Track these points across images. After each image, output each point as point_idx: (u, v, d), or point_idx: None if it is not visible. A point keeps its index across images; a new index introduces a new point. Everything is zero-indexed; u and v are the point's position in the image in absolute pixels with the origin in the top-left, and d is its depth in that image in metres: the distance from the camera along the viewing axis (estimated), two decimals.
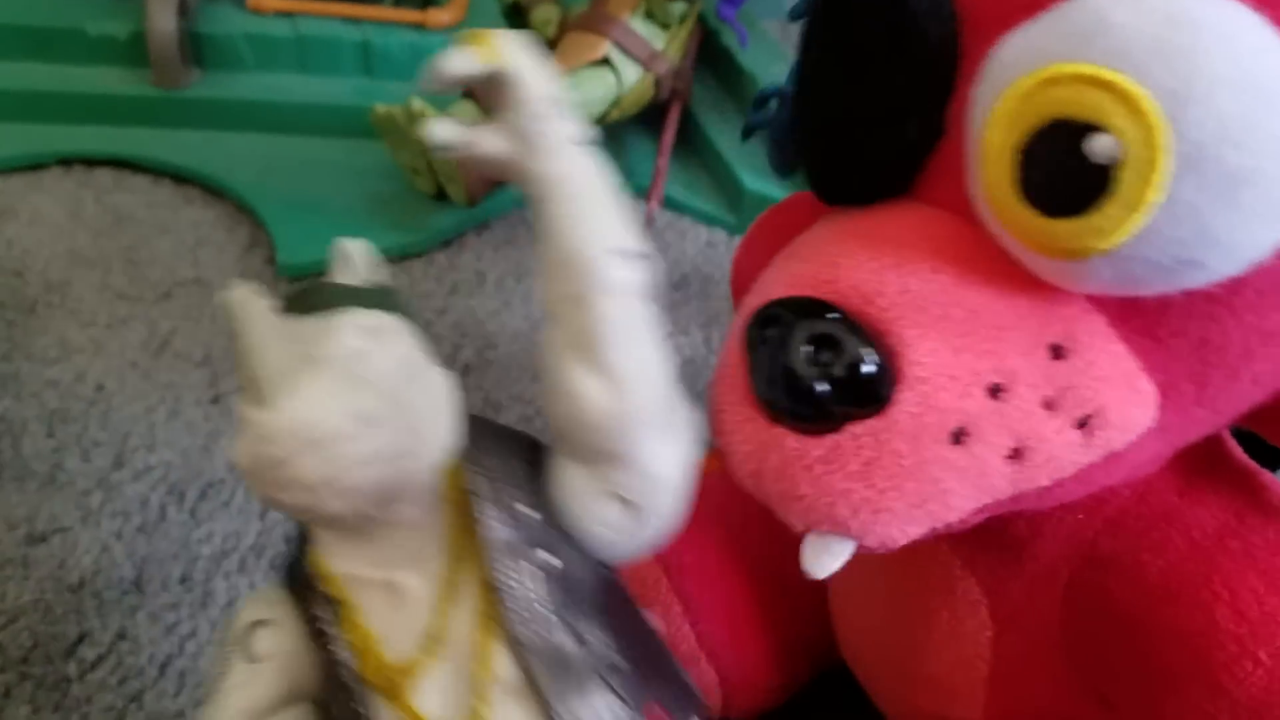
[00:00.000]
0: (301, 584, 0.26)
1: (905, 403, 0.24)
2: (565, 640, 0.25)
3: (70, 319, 0.64)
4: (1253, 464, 0.32)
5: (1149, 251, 0.22)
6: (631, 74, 0.75)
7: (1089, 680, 0.32)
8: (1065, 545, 0.31)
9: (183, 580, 0.51)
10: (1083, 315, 0.25)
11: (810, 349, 0.24)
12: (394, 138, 0.70)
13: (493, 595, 0.25)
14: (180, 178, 0.74)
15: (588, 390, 0.25)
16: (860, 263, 0.25)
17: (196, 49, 0.76)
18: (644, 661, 0.26)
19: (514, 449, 0.27)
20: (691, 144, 0.81)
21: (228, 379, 0.61)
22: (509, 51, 0.26)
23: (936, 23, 0.25)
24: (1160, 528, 0.30)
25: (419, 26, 0.79)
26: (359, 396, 0.23)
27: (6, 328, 0.63)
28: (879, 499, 0.24)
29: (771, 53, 0.83)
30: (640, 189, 0.77)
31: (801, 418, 0.24)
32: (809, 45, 0.29)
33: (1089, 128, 0.21)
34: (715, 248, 0.74)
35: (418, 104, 0.66)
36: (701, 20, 0.82)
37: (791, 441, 0.24)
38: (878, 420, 0.24)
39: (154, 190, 0.73)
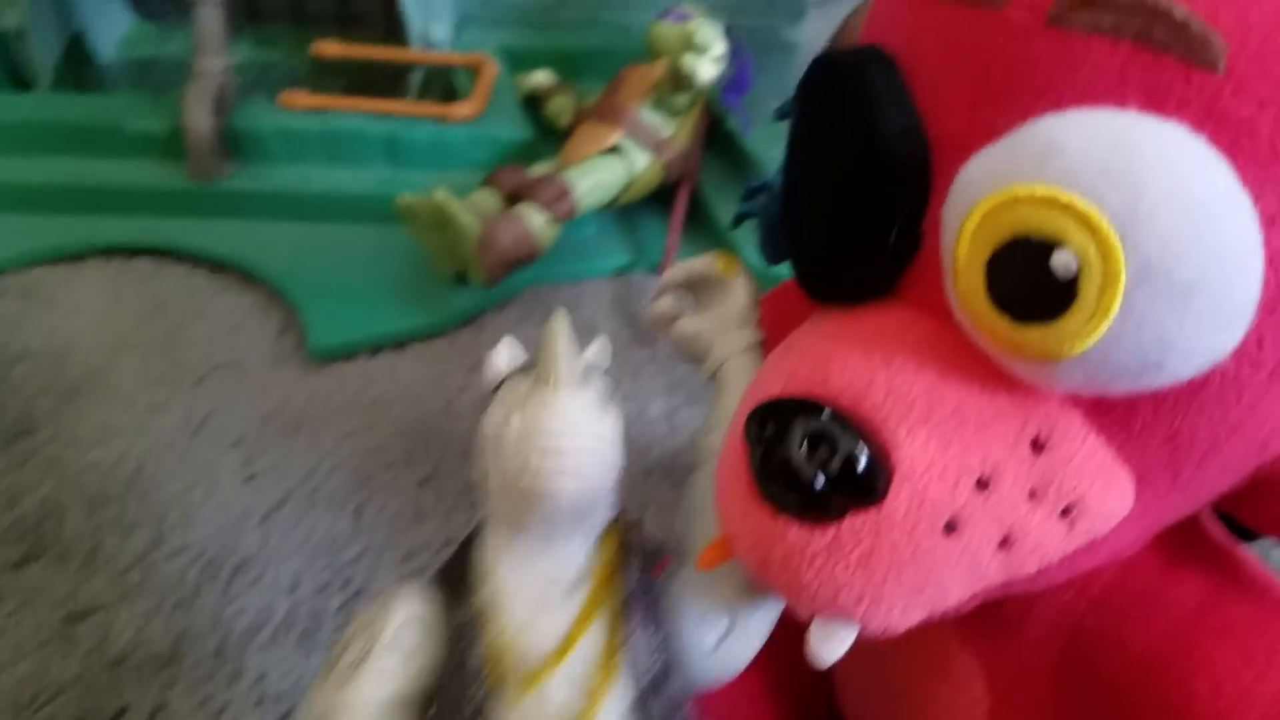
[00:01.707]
0: (453, 582, 0.29)
1: (899, 496, 0.25)
2: (672, 694, 0.29)
3: (110, 403, 0.66)
4: (1230, 542, 0.33)
5: (1113, 356, 0.23)
6: (641, 160, 0.78)
7: None
8: (1055, 622, 0.32)
9: (216, 654, 0.53)
10: (1060, 411, 0.26)
11: (807, 445, 0.25)
12: (418, 225, 0.73)
13: (619, 634, 0.28)
14: (216, 265, 0.77)
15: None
16: (851, 362, 0.26)
17: (231, 143, 0.79)
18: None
19: (649, 548, 0.32)
20: (700, 222, 0.84)
21: (260, 459, 0.63)
22: (739, 275, 0.37)
23: (907, 146, 0.26)
24: (1142, 606, 0.31)
25: (441, 120, 0.82)
26: (613, 431, 0.29)
27: (50, 413, 0.65)
28: (879, 588, 0.26)
29: (774, 136, 0.86)
30: (653, 265, 0.80)
31: (802, 511, 0.25)
32: (791, 157, 0.30)
33: (1050, 244, 0.22)
34: None
35: (441, 194, 0.69)
36: (708, 107, 0.85)
37: (794, 533, 0.26)
38: (874, 513, 0.25)
39: (191, 278, 0.76)
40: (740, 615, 0.31)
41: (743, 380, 0.34)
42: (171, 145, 0.78)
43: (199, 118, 0.75)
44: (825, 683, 0.43)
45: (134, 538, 0.58)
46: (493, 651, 0.28)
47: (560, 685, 0.27)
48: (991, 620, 0.33)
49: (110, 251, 0.78)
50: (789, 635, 0.33)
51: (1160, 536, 0.31)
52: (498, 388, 0.30)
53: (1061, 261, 0.22)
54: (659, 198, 0.82)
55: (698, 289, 0.38)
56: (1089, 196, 0.22)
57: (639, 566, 0.30)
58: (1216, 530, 0.33)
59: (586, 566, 0.29)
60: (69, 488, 0.61)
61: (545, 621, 0.28)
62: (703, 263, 0.37)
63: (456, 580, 0.29)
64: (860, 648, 0.39)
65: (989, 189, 0.23)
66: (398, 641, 0.28)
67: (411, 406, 0.67)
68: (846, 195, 0.28)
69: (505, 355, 0.31)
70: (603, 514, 0.30)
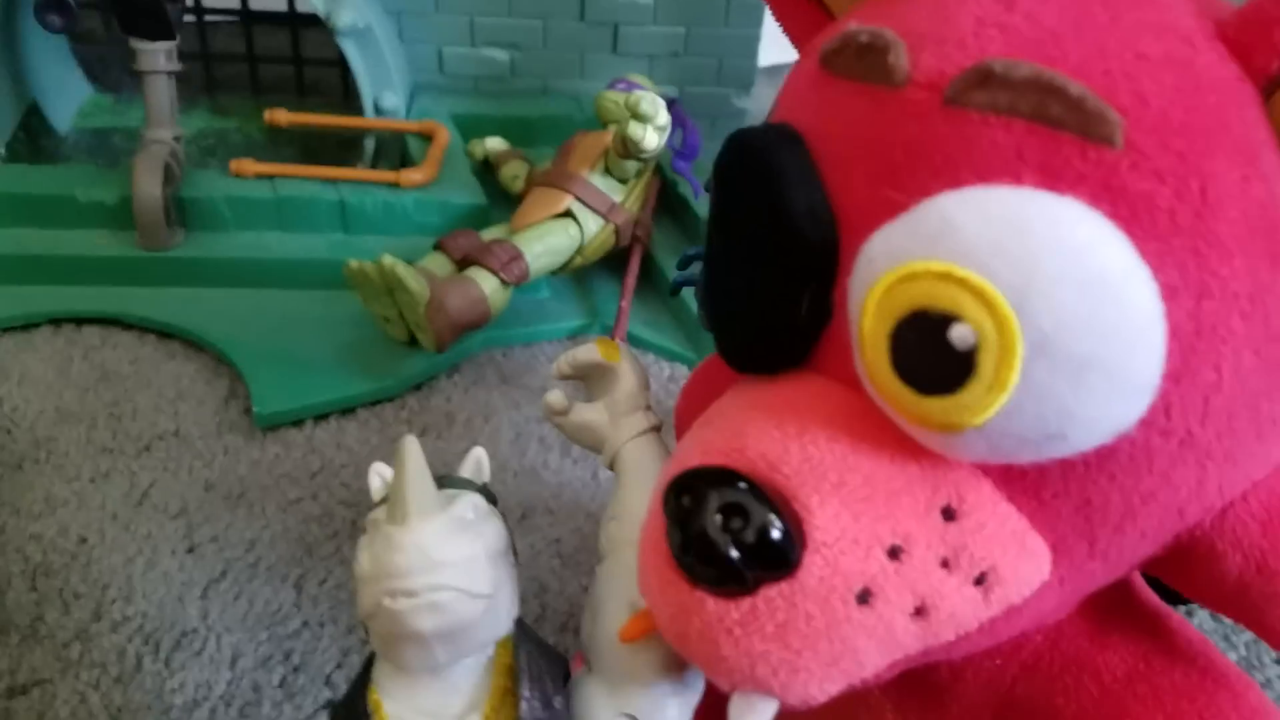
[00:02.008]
0: (352, 711, 0.30)
1: (812, 566, 0.25)
2: None
3: (55, 474, 0.66)
4: (1162, 606, 0.33)
5: (1015, 427, 0.23)
6: (593, 224, 0.79)
7: None
8: (985, 689, 0.32)
9: None
10: (969, 479, 0.26)
11: (720, 517, 0.25)
12: (367, 290, 0.73)
13: None
14: (164, 333, 0.77)
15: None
16: (765, 431, 0.27)
17: (181, 211, 0.80)
18: None
19: (553, 654, 0.32)
20: (653, 285, 0.85)
21: (202, 529, 0.63)
22: (623, 359, 0.37)
23: (814, 224, 0.26)
24: (1072, 672, 0.31)
25: (393, 185, 0.83)
26: (471, 547, 0.28)
27: None
28: (795, 659, 0.25)
29: None
30: (606, 328, 0.80)
31: (718, 582, 0.25)
32: (709, 232, 0.31)
33: (948, 318, 0.23)
34: (677, 382, 0.77)
35: (388, 259, 0.69)
36: (660, 172, 0.87)
37: (711, 605, 0.26)
38: (787, 584, 0.25)
39: (139, 346, 0.76)
40: (639, 710, 0.31)
41: (641, 465, 0.34)
42: (122, 215, 0.79)
43: (147, 186, 0.75)
44: None
45: (75, 610, 0.57)
46: None
47: None
48: (923, 689, 0.33)
49: (59, 320, 0.77)
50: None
51: (1089, 602, 0.31)
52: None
53: (959, 335, 0.23)
54: (612, 261, 0.83)
55: (588, 378, 0.38)
56: (984, 272, 0.22)
57: (537, 690, 0.30)
58: (1147, 595, 0.33)
59: (476, 694, 0.29)
60: (11, 560, 0.60)
61: None
62: (585, 351, 0.38)
63: (352, 711, 0.30)
64: (796, 715, 0.39)
65: (890, 264, 0.24)
66: None
67: (357, 474, 0.67)
68: (758, 269, 0.28)
69: (377, 482, 0.32)
70: (489, 634, 0.30)
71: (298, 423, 0.70)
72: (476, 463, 0.33)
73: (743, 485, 0.26)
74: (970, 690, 0.33)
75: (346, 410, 0.72)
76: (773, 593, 0.25)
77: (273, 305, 0.78)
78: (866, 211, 0.25)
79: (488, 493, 0.32)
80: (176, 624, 0.57)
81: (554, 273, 0.79)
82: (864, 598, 0.26)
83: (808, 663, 0.26)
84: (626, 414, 0.35)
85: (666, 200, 0.89)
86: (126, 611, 0.58)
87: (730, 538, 0.25)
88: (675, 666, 0.31)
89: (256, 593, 0.59)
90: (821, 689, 0.27)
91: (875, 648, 0.26)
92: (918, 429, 0.25)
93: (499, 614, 0.29)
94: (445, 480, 0.31)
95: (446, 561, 0.27)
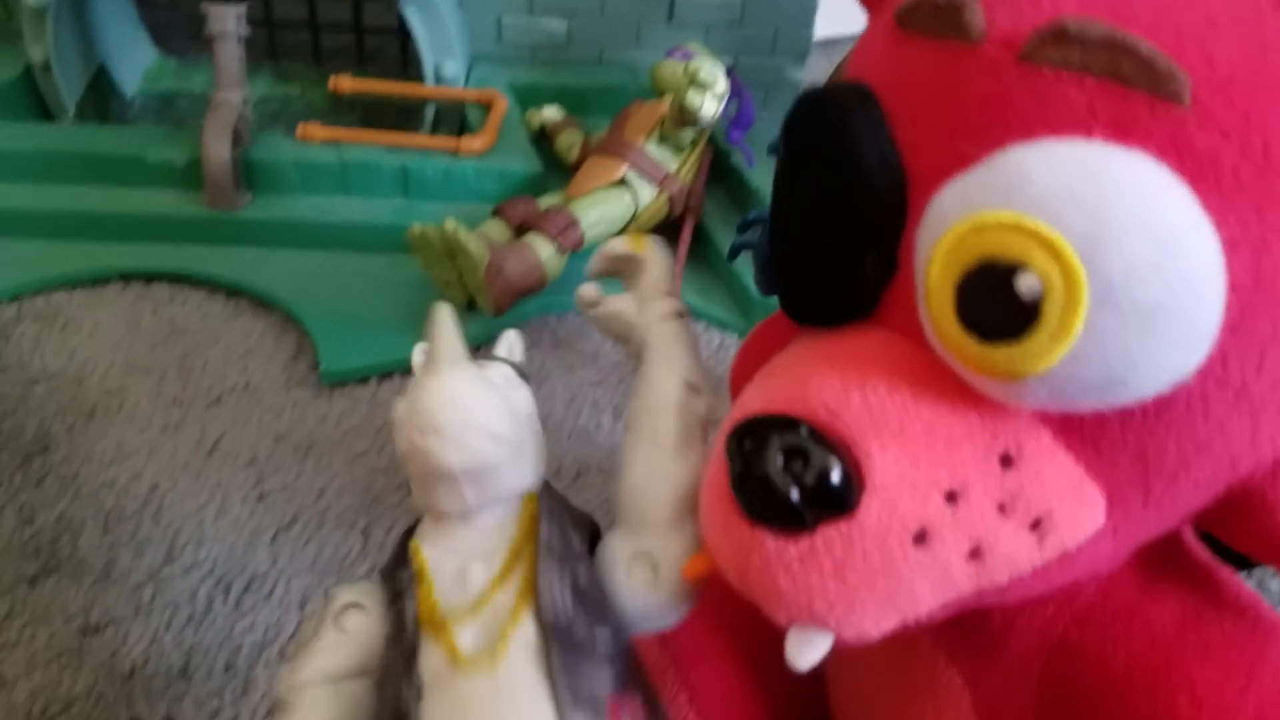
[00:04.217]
0: (393, 569, 0.32)
1: (870, 507, 0.26)
2: (580, 632, 0.30)
3: (126, 424, 0.68)
4: (1211, 560, 0.33)
5: (1078, 374, 0.24)
6: (647, 193, 0.80)
7: None
8: (1037, 637, 0.33)
9: (227, 669, 0.54)
10: (1029, 428, 0.27)
11: (783, 459, 0.26)
12: (428, 254, 0.74)
13: (532, 585, 0.30)
14: (232, 291, 0.79)
15: (662, 469, 0.33)
16: (828, 380, 0.28)
17: (248, 174, 0.81)
18: (633, 669, 0.32)
19: (578, 515, 0.34)
20: (704, 255, 0.85)
21: (271, 478, 0.65)
22: (649, 249, 0.39)
23: (884, 177, 0.27)
24: (1123, 621, 0.32)
25: (453, 153, 0.84)
26: (497, 400, 0.30)
27: (67, 432, 0.67)
28: (852, 595, 0.26)
29: None
30: None
31: (778, 522, 0.27)
32: (778, 189, 0.32)
33: (1015, 267, 0.23)
34: (727, 350, 0.78)
35: (451, 224, 0.71)
36: (713, 142, 0.87)
37: (770, 542, 0.27)
38: (847, 524, 0.26)
39: (207, 303, 0.78)
40: (665, 561, 0.32)
41: (665, 344, 0.36)
42: (190, 175, 0.80)
43: (217, 148, 0.77)
44: (820, 693, 0.44)
45: (147, 554, 0.60)
46: (423, 610, 0.30)
47: (472, 632, 0.29)
48: (976, 637, 0.34)
49: (129, 277, 0.79)
50: (773, 645, 0.35)
51: (1141, 554, 0.32)
52: None
53: (1026, 284, 0.23)
54: (664, 230, 0.84)
55: (622, 273, 0.40)
56: (1054, 222, 0.23)
57: (556, 528, 0.32)
58: (1198, 549, 0.34)
59: (500, 540, 0.31)
60: (85, 505, 0.62)
61: (468, 584, 0.30)
62: (617, 244, 0.40)
63: (395, 566, 0.32)
64: (850, 662, 0.40)
65: (960, 215, 0.25)
66: (339, 623, 0.31)
67: None
68: (827, 224, 0.29)
69: (419, 357, 0.34)
70: (513, 486, 0.32)
71: (362, 380, 0.72)
72: (509, 343, 0.36)
73: (804, 430, 0.27)
74: (1022, 639, 0.33)
75: (407, 370, 0.73)
76: (831, 532, 0.26)
77: (337, 267, 0.80)
78: (936, 164, 0.26)
79: (519, 369, 0.35)
80: (247, 568, 0.59)
81: (608, 241, 0.80)
82: (920, 539, 0.26)
83: (864, 599, 0.27)
84: (652, 299, 0.37)
85: (718, 170, 0.89)
86: (198, 555, 0.60)
87: (791, 479, 0.26)
88: (683, 506, 0.33)
89: (325, 539, 0.61)
90: (876, 625, 0.27)
91: (930, 587, 0.27)
92: (980, 377, 0.26)
93: (523, 465, 0.32)
94: (479, 355, 0.33)
95: (473, 405, 0.29)
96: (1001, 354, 0.25)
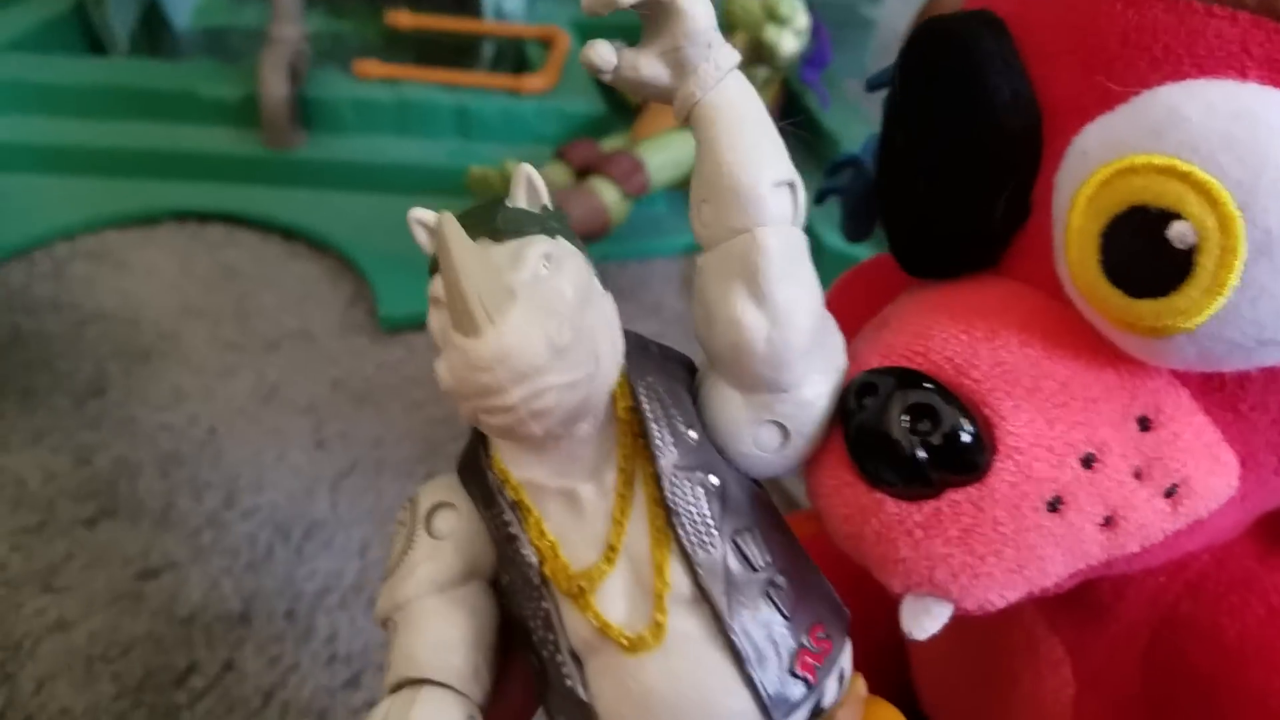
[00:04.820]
0: (481, 483, 0.27)
1: (1003, 472, 0.24)
2: (731, 556, 0.25)
3: (182, 367, 0.67)
4: None
5: (1229, 331, 0.23)
6: None
7: None
8: (1147, 607, 0.32)
9: (287, 615, 0.54)
10: (1167, 388, 0.25)
11: (908, 418, 0.24)
12: (488, 196, 0.73)
13: (663, 511, 0.25)
14: (287, 233, 0.78)
15: (751, 320, 0.25)
16: (953, 335, 0.26)
17: (304, 112, 0.80)
18: (799, 579, 0.27)
19: (672, 369, 0.28)
20: None
21: (329, 425, 0.64)
22: None
23: (1018, 115, 0.26)
24: (1239, 592, 0.30)
25: (512, 92, 0.82)
26: (554, 327, 0.23)
27: (123, 375, 0.66)
28: (978, 564, 0.25)
29: (852, 114, 0.85)
30: None
31: (901, 484, 0.25)
32: (892, 127, 0.30)
33: (1167, 215, 0.22)
34: None
35: (511, 165, 0.69)
36: (785, 83, 0.85)
37: (891, 506, 0.25)
38: (976, 488, 0.24)
39: (262, 245, 0.77)
40: (783, 416, 0.26)
41: (738, 100, 0.26)
42: (245, 112, 0.79)
43: (274, 85, 0.76)
44: (899, 656, 0.43)
45: (206, 498, 0.59)
46: (543, 551, 0.26)
47: (617, 593, 0.25)
48: (1080, 604, 0.33)
49: (183, 216, 0.79)
50: (870, 605, 0.33)
51: (1260, 523, 0.30)
52: None
53: (1179, 233, 0.22)
54: None
55: (647, 18, 0.27)
56: (1210, 167, 0.22)
57: (666, 425, 0.26)
58: None
59: (605, 446, 0.26)
60: (142, 448, 0.62)
61: (584, 514, 0.26)
62: None
63: (479, 477, 0.27)
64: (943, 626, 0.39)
65: (1106, 157, 0.23)
66: (431, 528, 0.27)
67: None
68: (952, 165, 0.27)
69: (421, 235, 0.27)
70: (603, 396, 0.26)
71: (419, 327, 0.71)
72: (528, 184, 0.26)
73: (929, 387, 0.25)
74: (1131, 608, 0.32)
75: None
76: (959, 497, 0.25)
77: (394, 209, 0.78)
78: (1076, 103, 0.25)
79: (552, 215, 0.27)
80: (306, 515, 0.59)
81: (673, 187, 0.78)
82: (1054, 505, 0.25)
83: (991, 568, 0.25)
84: (701, 58, 0.25)
85: (791, 112, 0.87)
86: (257, 501, 0.59)
87: (917, 440, 0.25)
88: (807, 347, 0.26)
89: (384, 488, 0.60)
90: (1001, 595, 0.26)
91: (1061, 556, 0.26)
92: (1122, 334, 0.24)
93: (606, 373, 0.25)
94: (503, 224, 0.25)
95: (538, 366, 0.23)
96: (1148, 308, 0.23)
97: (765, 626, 0.25)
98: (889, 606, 0.28)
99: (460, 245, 0.22)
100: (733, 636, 0.25)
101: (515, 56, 0.91)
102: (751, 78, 0.80)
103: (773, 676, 0.25)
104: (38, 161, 0.79)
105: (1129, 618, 0.32)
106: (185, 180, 0.80)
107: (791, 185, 0.25)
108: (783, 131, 0.26)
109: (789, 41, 0.71)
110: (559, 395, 0.23)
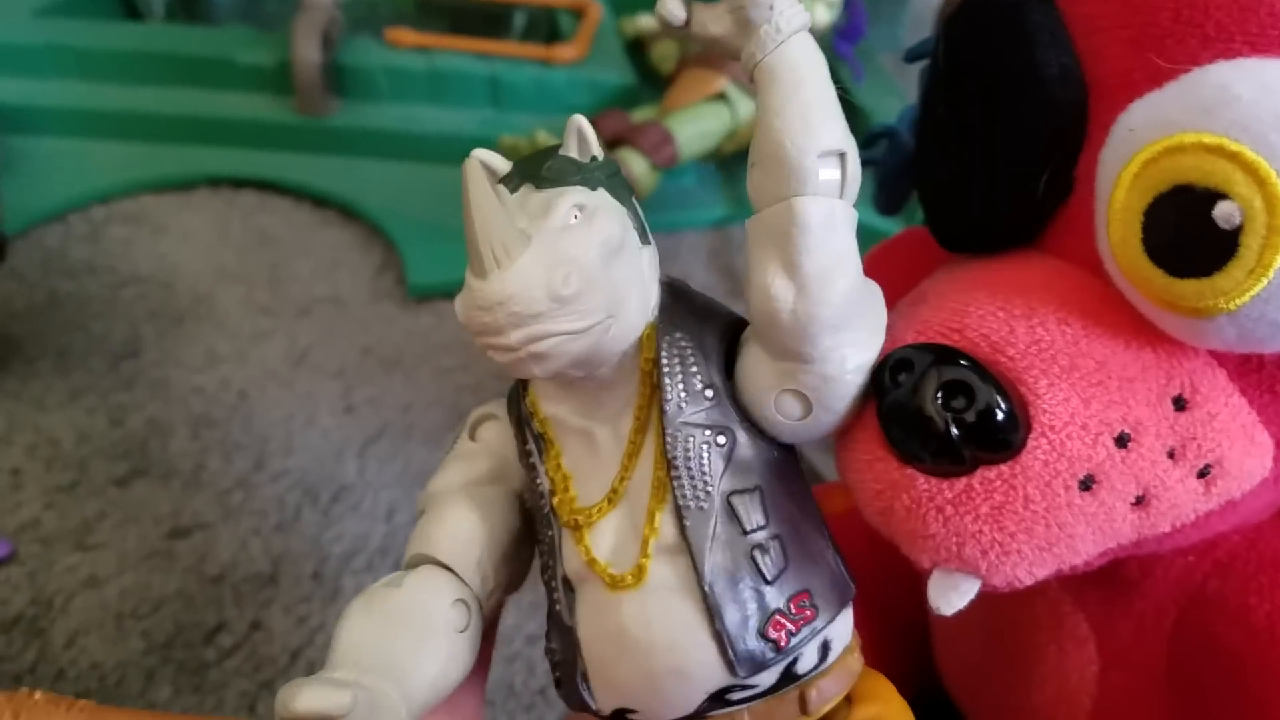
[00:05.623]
0: (516, 410, 0.29)
1: (1037, 450, 0.24)
2: (721, 515, 0.26)
3: (216, 331, 0.68)
4: None
5: (1270, 313, 0.23)
6: (747, 108, 0.77)
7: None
8: (1175, 586, 0.32)
9: (314, 576, 0.55)
10: (1204, 369, 0.25)
11: (942, 395, 0.24)
12: None
13: (666, 463, 0.26)
14: (319, 200, 0.78)
15: (779, 289, 0.24)
16: (990, 312, 0.26)
17: (338, 79, 0.80)
18: (797, 547, 0.27)
19: (709, 324, 0.27)
20: None
21: (359, 391, 0.65)
22: None
23: (1065, 90, 0.25)
24: (1268, 572, 0.30)
25: (544, 62, 0.82)
26: (560, 276, 0.23)
27: (157, 336, 0.67)
28: (1008, 541, 0.25)
29: (886, 87, 0.84)
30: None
31: (934, 461, 0.25)
32: (932, 100, 0.30)
33: (1213, 194, 0.22)
34: None
35: (543, 135, 0.69)
36: None
37: (923, 482, 0.25)
38: (1009, 466, 0.24)
39: (295, 212, 0.78)
40: (808, 388, 0.26)
41: (797, 65, 0.24)
42: (279, 79, 0.79)
43: (307, 51, 0.76)
44: (922, 633, 0.43)
45: (236, 460, 0.60)
46: (556, 483, 0.27)
47: (608, 530, 0.26)
48: (1107, 582, 0.33)
49: (217, 182, 0.79)
50: (889, 580, 0.33)
51: None
52: None
53: (1224, 213, 0.22)
54: None
55: None
56: (1259, 147, 0.21)
57: (681, 384, 0.26)
58: None
59: (627, 389, 0.27)
60: (174, 409, 0.62)
61: (598, 452, 0.27)
62: None
63: (517, 408, 0.29)
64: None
65: (1154, 135, 0.23)
66: (476, 434, 0.30)
67: None
68: (995, 139, 0.27)
69: (476, 174, 0.25)
70: (618, 346, 0.26)
71: (448, 295, 0.71)
72: (579, 135, 0.26)
73: (967, 364, 0.25)
74: (1159, 587, 0.32)
75: None
76: (991, 474, 0.25)
77: (425, 178, 0.79)
78: (1124, 79, 0.24)
79: (599, 166, 0.27)
80: (334, 479, 0.59)
81: (703, 159, 0.78)
82: (1087, 484, 0.25)
83: (1021, 546, 0.25)
84: (763, 19, 0.25)
85: None
86: (286, 464, 0.60)
87: (952, 417, 0.24)
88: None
89: (412, 453, 0.61)
90: (1029, 572, 0.26)
91: (1092, 535, 0.26)
92: (1162, 313, 0.24)
93: (625, 324, 0.25)
94: (547, 172, 0.26)
95: (540, 312, 0.23)
96: (1190, 288, 0.23)
97: (741, 586, 0.26)
98: (912, 584, 0.28)
99: (478, 188, 0.23)
100: (705, 589, 0.25)
101: (547, 26, 0.91)
102: None
103: (740, 633, 0.25)
104: (75, 125, 0.79)
105: (1156, 596, 0.32)
106: (219, 146, 0.80)
107: (842, 156, 0.25)
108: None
109: (821, 13, 0.71)
110: (560, 342, 0.24)
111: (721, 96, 0.77)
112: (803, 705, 0.27)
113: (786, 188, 0.24)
